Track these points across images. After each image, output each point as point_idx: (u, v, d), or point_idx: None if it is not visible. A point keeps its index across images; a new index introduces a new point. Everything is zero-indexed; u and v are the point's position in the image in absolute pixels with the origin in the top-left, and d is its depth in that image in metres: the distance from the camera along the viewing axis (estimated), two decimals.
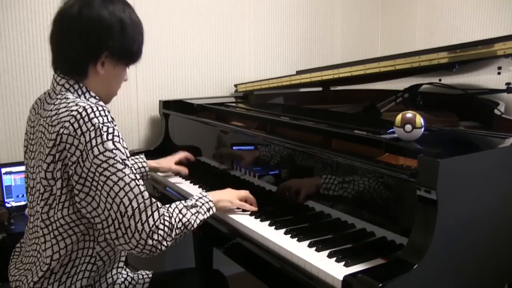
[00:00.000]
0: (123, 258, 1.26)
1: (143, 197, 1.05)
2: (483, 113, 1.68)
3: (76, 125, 1.01)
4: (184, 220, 1.15)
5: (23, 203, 1.86)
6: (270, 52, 2.52)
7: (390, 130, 1.17)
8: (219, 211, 1.33)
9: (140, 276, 1.31)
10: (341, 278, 0.95)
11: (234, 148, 1.67)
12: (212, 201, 1.28)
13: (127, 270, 1.31)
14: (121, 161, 1.03)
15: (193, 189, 1.63)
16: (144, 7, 2.11)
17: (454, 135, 1.41)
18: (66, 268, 1.10)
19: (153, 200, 1.08)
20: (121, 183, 1.02)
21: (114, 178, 1.02)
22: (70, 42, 1.09)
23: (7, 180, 1.84)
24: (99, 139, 1.01)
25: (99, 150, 1.01)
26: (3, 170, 1.84)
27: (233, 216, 1.35)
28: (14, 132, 1.91)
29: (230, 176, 1.66)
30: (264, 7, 2.46)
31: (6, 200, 1.84)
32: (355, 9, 2.78)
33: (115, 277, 1.23)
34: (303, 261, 1.07)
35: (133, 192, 1.04)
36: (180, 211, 1.16)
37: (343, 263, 1.04)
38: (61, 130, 1.01)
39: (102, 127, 1.02)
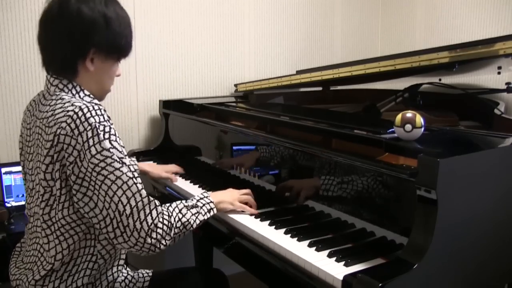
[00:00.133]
0: (123, 256, 1.26)
1: (141, 195, 1.05)
2: (483, 112, 1.68)
3: (73, 125, 1.01)
4: (184, 220, 1.15)
5: (23, 203, 1.85)
6: (270, 52, 2.52)
7: (390, 130, 1.17)
8: (219, 212, 1.33)
9: (141, 275, 1.31)
10: (341, 278, 0.95)
11: (234, 148, 1.67)
12: (213, 202, 1.28)
13: (128, 269, 1.31)
14: (118, 159, 1.03)
15: (193, 189, 1.63)
16: (144, 7, 2.11)
17: (454, 135, 1.41)
18: (68, 266, 1.10)
19: (151, 198, 1.08)
20: (119, 182, 1.03)
21: (112, 177, 1.02)
22: (56, 42, 1.09)
23: (7, 180, 1.84)
24: (96, 139, 1.01)
25: (96, 149, 1.01)
26: (3, 170, 1.84)
27: (233, 216, 1.34)
28: (14, 132, 1.91)
29: (230, 175, 1.66)
30: (264, 7, 2.46)
31: (6, 200, 1.84)
32: (355, 9, 2.78)
33: (115, 275, 1.23)
34: (303, 260, 1.07)
35: (131, 191, 1.04)
36: (180, 211, 1.16)
37: (343, 262, 1.03)
38: (58, 130, 1.01)
39: (98, 126, 1.02)
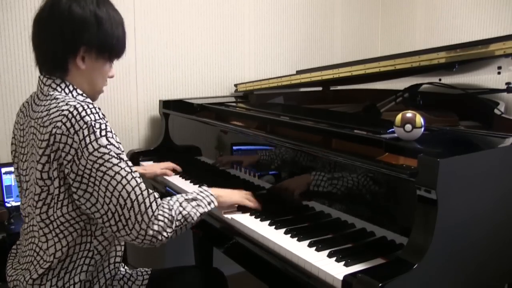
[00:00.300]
0: (119, 253, 1.26)
1: (140, 188, 1.07)
2: (483, 112, 1.68)
3: (68, 124, 1.01)
4: (185, 212, 1.17)
5: None
6: (270, 52, 2.52)
7: (390, 130, 1.17)
8: (219, 209, 1.34)
9: (139, 273, 1.31)
10: (341, 278, 0.95)
11: (234, 148, 1.67)
12: (213, 195, 1.29)
13: (126, 267, 1.31)
14: (116, 155, 1.05)
15: (193, 189, 1.62)
16: (144, 8, 2.11)
17: (454, 135, 1.41)
18: (64, 263, 1.11)
19: (150, 191, 1.10)
20: (118, 177, 1.04)
21: (111, 172, 1.03)
22: (48, 40, 1.11)
23: (7, 180, 1.84)
24: (92, 136, 1.02)
25: (93, 147, 1.02)
26: (3, 170, 1.84)
27: (233, 215, 1.35)
28: None
29: (230, 175, 1.66)
30: (264, 7, 2.46)
31: (6, 200, 1.84)
32: (355, 10, 2.78)
33: (113, 272, 1.24)
34: (303, 260, 1.07)
35: (130, 185, 1.05)
36: (180, 204, 1.18)
37: (343, 262, 1.03)
38: (54, 130, 1.02)
39: (94, 124, 1.03)
